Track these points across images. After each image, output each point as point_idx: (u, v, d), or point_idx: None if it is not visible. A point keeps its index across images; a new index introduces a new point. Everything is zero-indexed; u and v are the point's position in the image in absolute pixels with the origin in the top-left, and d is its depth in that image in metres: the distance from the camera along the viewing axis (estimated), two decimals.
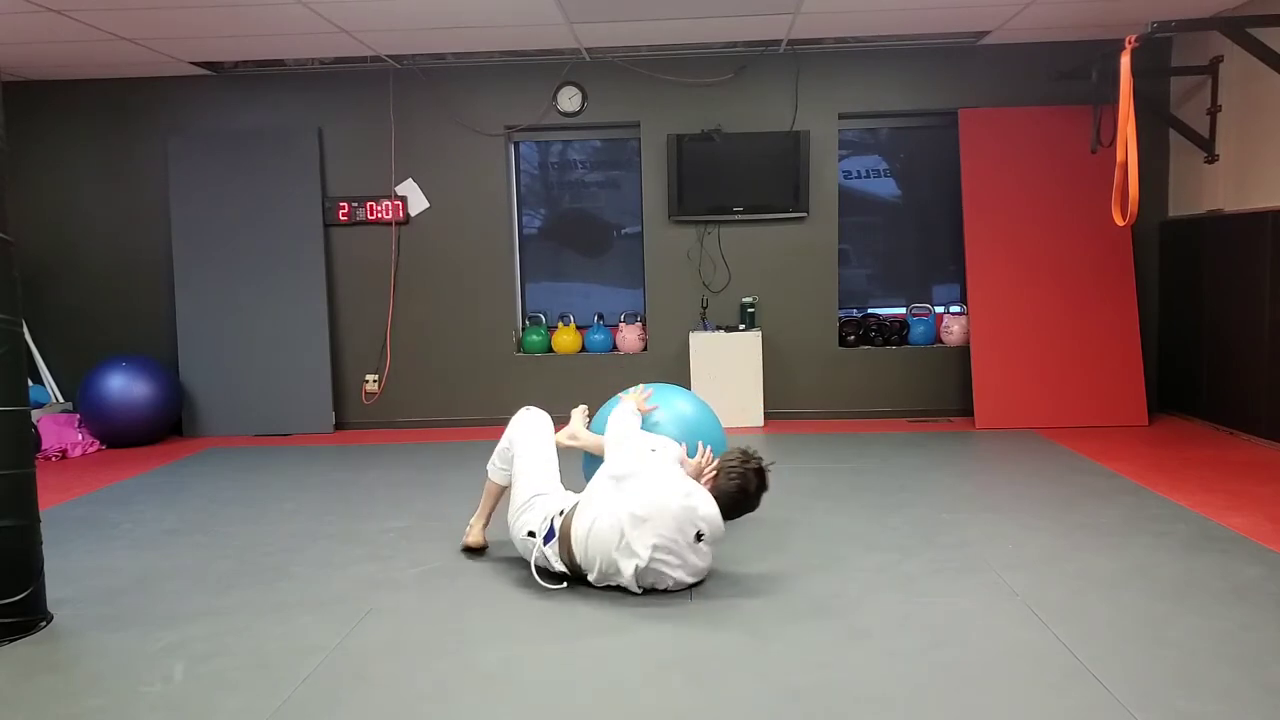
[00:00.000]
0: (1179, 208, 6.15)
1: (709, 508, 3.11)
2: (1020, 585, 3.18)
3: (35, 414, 5.83)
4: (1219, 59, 5.55)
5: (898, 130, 6.70)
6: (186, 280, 6.46)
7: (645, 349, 6.57)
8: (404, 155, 6.46)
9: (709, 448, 3.40)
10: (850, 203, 6.60)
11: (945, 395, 6.39)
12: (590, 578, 3.17)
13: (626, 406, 3.54)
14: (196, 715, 2.43)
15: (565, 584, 3.22)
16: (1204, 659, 2.59)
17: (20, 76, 6.35)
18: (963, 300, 6.46)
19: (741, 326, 6.29)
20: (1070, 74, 5.87)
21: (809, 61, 6.28)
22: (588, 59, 6.31)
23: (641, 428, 3.51)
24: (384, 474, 5.18)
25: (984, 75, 6.22)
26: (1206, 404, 5.82)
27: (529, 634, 2.89)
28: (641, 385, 3.71)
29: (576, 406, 3.80)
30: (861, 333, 6.54)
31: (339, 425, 6.60)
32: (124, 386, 6.01)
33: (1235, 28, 4.78)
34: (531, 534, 3.25)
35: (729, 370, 6.18)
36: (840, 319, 6.51)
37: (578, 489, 3.40)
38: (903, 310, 6.73)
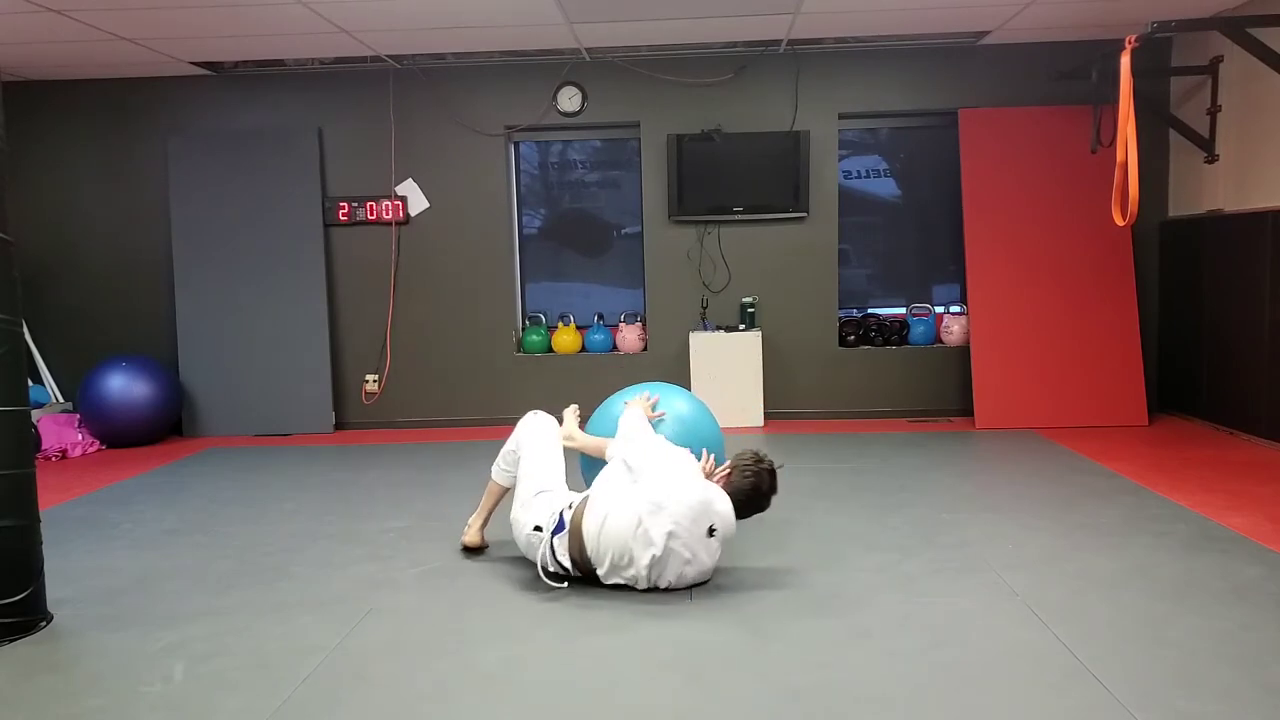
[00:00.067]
0: (1179, 208, 6.15)
1: (724, 505, 3.16)
2: (1020, 585, 3.18)
3: (35, 414, 5.83)
4: (1219, 59, 5.55)
5: (898, 130, 6.70)
6: (186, 280, 6.46)
7: (645, 349, 6.57)
8: (404, 155, 6.46)
9: (712, 455, 3.44)
10: (850, 203, 6.60)
11: (945, 395, 6.39)
12: (599, 572, 3.15)
13: (635, 411, 3.55)
14: (196, 715, 2.43)
15: (566, 584, 3.22)
16: (1204, 659, 2.59)
17: (20, 76, 6.35)
18: (963, 300, 6.46)
19: (741, 326, 6.29)
20: (1070, 74, 5.87)
21: (809, 61, 6.28)
22: (588, 59, 6.31)
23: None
24: (384, 474, 5.18)
25: (984, 75, 6.22)
26: (1206, 404, 5.82)
27: (529, 634, 2.89)
28: (646, 393, 3.70)
29: (567, 407, 3.79)
30: (861, 333, 6.54)
31: (339, 425, 6.60)
32: (124, 386, 6.01)
33: (1235, 28, 4.78)
34: (538, 528, 3.22)
35: (729, 370, 6.18)
36: (840, 319, 6.51)
37: (577, 491, 3.40)
38: (903, 310, 6.73)
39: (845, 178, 6.61)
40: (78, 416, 6.10)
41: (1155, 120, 5.95)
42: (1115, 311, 6.04)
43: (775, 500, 3.31)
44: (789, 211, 6.30)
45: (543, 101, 6.39)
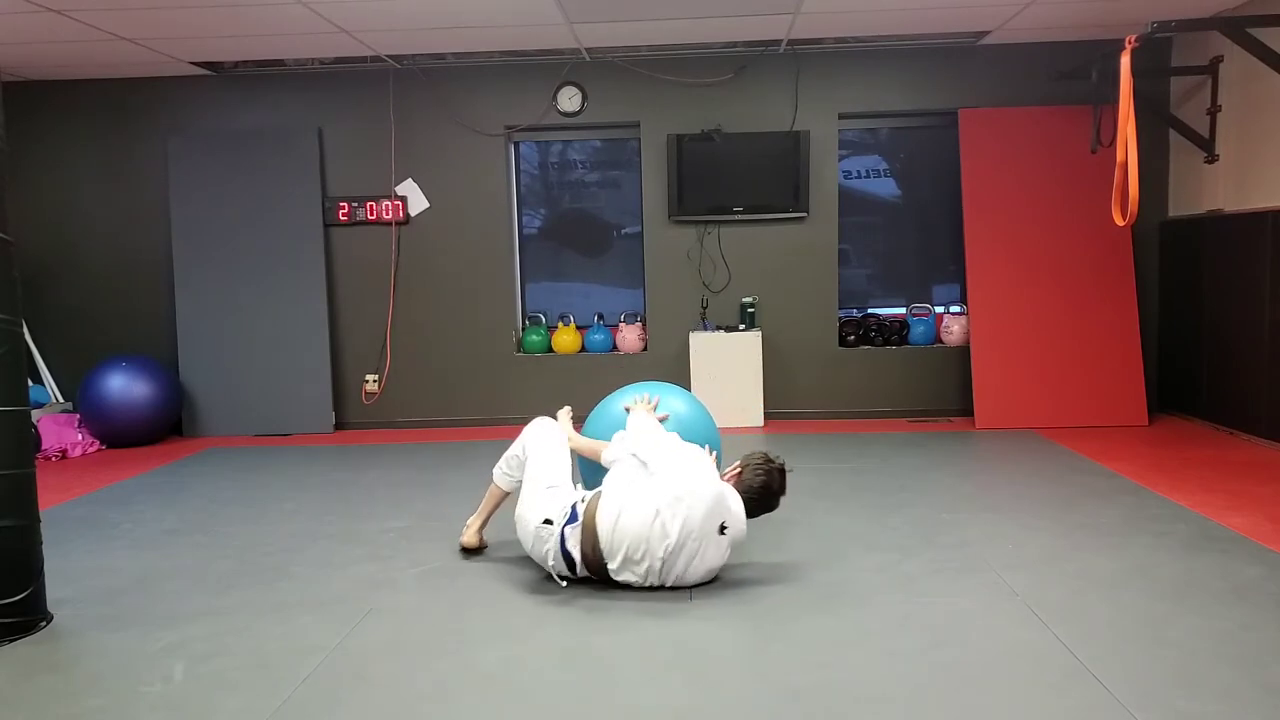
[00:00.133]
0: (1179, 208, 6.15)
1: (737, 504, 3.18)
2: (1020, 585, 3.18)
3: (35, 414, 5.83)
4: (1219, 59, 5.55)
5: (898, 130, 6.70)
6: (186, 280, 6.46)
7: (645, 349, 6.57)
8: (404, 155, 6.46)
9: (715, 452, 3.46)
10: (850, 203, 6.60)
11: (945, 395, 6.39)
12: (610, 567, 3.12)
13: (641, 412, 3.56)
14: (196, 715, 2.43)
15: (566, 584, 3.22)
16: (1204, 659, 2.59)
17: (20, 76, 6.35)
18: (963, 300, 6.46)
19: (741, 326, 6.29)
20: (1070, 74, 5.87)
21: (809, 61, 6.28)
22: (588, 59, 6.31)
23: None
24: (384, 474, 5.18)
25: (984, 75, 6.22)
26: (1206, 404, 5.82)
27: (529, 634, 2.89)
28: (646, 394, 3.70)
29: (562, 408, 3.79)
30: (861, 333, 6.54)
31: (339, 425, 6.60)
32: (124, 386, 6.01)
33: (1235, 28, 4.78)
34: (548, 521, 3.19)
35: (729, 370, 6.18)
36: (840, 319, 6.51)
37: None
38: (903, 310, 6.73)
39: (845, 178, 6.61)
40: (78, 416, 6.10)
41: (1155, 120, 5.95)
42: (1115, 311, 6.04)
43: None
44: (789, 211, 6.30)
45: (543, 101, 6.39)
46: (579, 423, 3.73)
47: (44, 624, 3.04)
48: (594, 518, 3.13)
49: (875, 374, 6.44)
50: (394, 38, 5.70)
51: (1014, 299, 6.09)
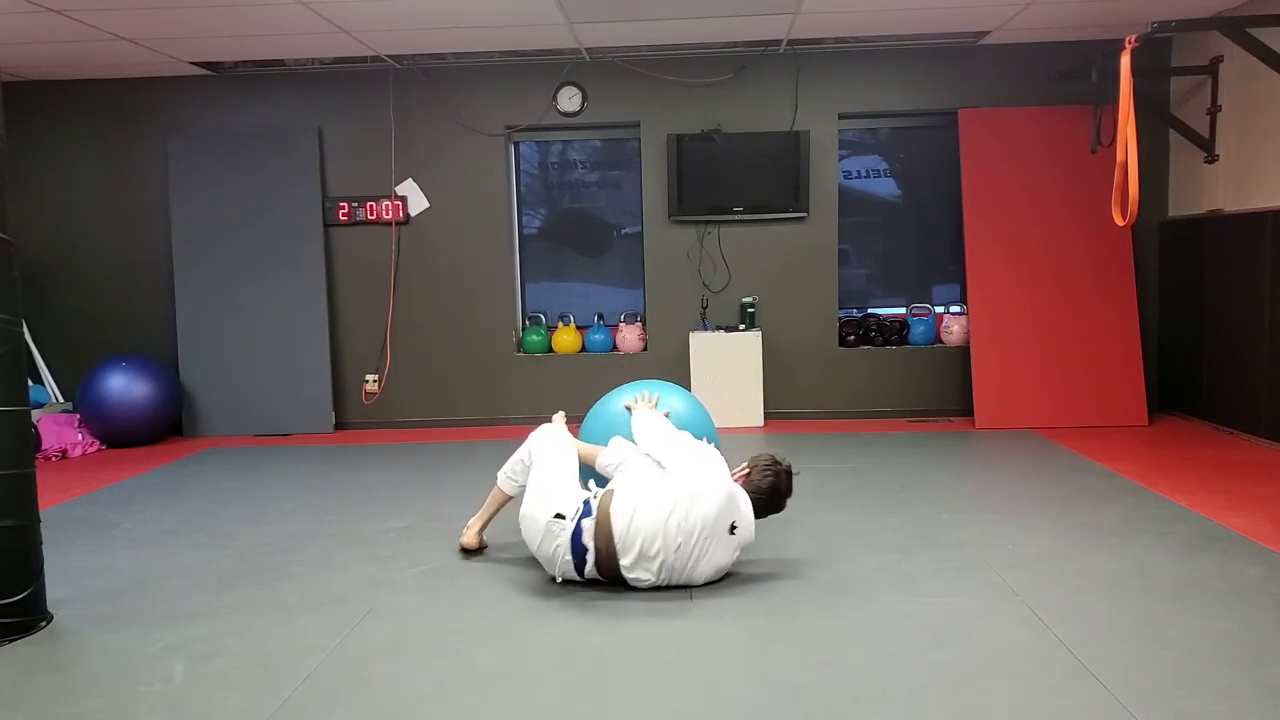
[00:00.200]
0: (1179, 208, 6.15)
1: (746, 505, 3.21)
2: (1020, 585, 3.18)
3: (35, 414, 5.83)
4: (1219, 59, 5.55)
5: (898, 130, 6.70)
6: (186, 280, 6.46)
7: (645, 349, 6.57)
8: (404, 155, 6.46)
9: (715, 446, 3.46)
10: (850, 203, 6.60)
11: (945, 395, 6.39)
12: (623, 563, 3.09)
13: (645, 411, 3.57)
14: (196, 715, 2.43)
15: (562, 582, 3.21)
16: (1204, 659, 2.59)
17: (20, 76, 6.35)
18: (963, 300, 6.46)
19: (741, 326, 6.29)
20: (1070, 74, 5.87)
21: (809, 61, 6.28)
22: (588, 59, 6.31)
23: None
24: (384, 474, 5.18)
25: (984, 75, 6.22)
26: (1206, 404, 5.82)
27: (529, 634, 2.89)
28: (646, 392, 3.71)
29: (556, 413, 3.79)
30: (861, 333, 6.54)
31: (339, 425, 6.60)
32: (124, 386, 6.01)
33: (1235, 28, 4.78)
34: (560, 515, 3.15)
35: (729, 370, 6.18)
36: (840, 319, 6.51)
37: None
38: (903, 310, 6.73)
39: (845, 178, 6.61)
40: (78, 416, 6.10)
41: (1155, 120, 5.95)
42: (1115, 311, 6.04)
43: None
44: (789, 211, 6.29)
45: (543, 101, 6.39)
46: (575, 424, 3.73)
47: (44, 624, 3.04)
48: (608, 513, 3.11)
49: (875, 374, 6.44)
50: (394, 38, 5.70)
51: (1014, 299, 6.09)
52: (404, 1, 4.94)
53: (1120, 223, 4.61)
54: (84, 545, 3.95)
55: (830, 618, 2.95)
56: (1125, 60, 4.50)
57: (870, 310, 6.75)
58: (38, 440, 5.83)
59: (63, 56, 5.85)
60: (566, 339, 6.58)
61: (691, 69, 6.30)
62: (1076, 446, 5.34)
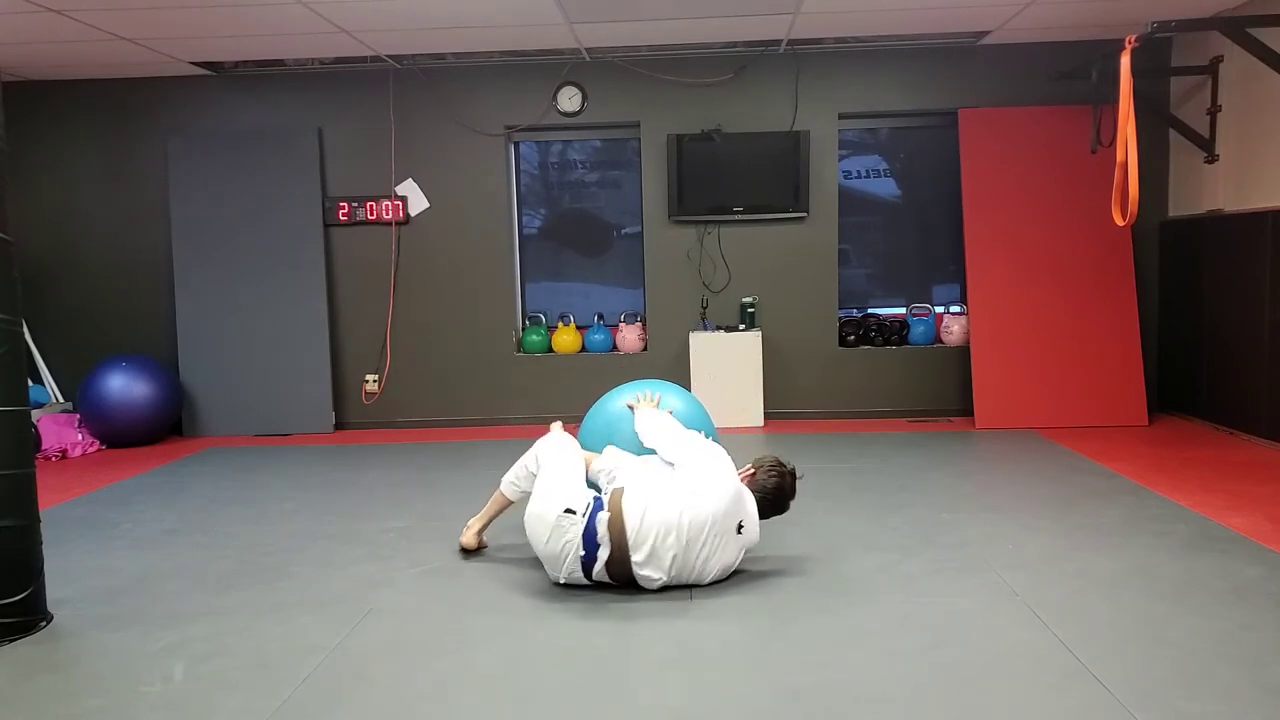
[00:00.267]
0: (1179, 208, 6.15)
1: (752, 505, 3.24)
2: (1020, 585, 3.18)
3: (35, 414, 5.83)
4: (1219, 59, 5.55)
5: (898, 130, 6.70)
6: (186, 280, 6.46)
7: (645, 349, 6.57)
8: (404, 155, 6.46)
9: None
10: (850, 203, 6.60)
11: (945, 395, 6.39)
12: (635, 559, 3.07)
13: (648, 411, 3.58)
14: (196, 715, 2.43)
15: (563, 582, 3.21)
16: (1204, 659, 2.59)
17: (20, 76, 6.35)
18: (963, 300, 6.46)
19: (741, 326, 6.29)
20: (1070, 74, 5.87)
21: (809, 61, 6.28)
22: (588, 59, 6.31)
23: None
24: (384, 474, 5.18)
25: (984, 75, 6.22)
26: (1206, 404, 5.82)
27: (529, 634, 2.89)
28: (648, 391, 3.71)
29: (554, 423, 3.78)
30: (861, 333, 6.53)
31: (339, 425, 6.60)
32: (124, 386, 6.01)
33: (1235, 28, 4.78)
34: (570, 510, 3.12)
35: (729, 370, 6.18)
36: (840, 319, 6.51)
37: None
38: (903, 310, 6.73)
39: (845, 178, 6.60)
40: (78, 416, 6.10)
41: (1155, 120, 5.95)
42: (1115, 311, 6.04)
43: None
44: (789, 211, 6.29)
45: (543, 101, 6.39)
46: (574, 424, 3.74)
47: (44, 624, 3.04)
48: (620, 508, 3.10)
49: (875, 374, 6.44)
50: (394, 38, 5.70)
51: (1014, 299, 6.09)
52: (404, 1, 4.94)
53: (1120, 223, 4.61)
54: (84, 545, 3.95)
55: (830, 618, 2.95)
56: (1125, 60, 4.50)
57: (870, 310, 6.75)
58: (38, 440, 5.83)
59: (63, 56, 5.85)
60: (566, 339, 6.58)
61: (691, 69, 6.30)
62: (1076, 446, 5.33)
